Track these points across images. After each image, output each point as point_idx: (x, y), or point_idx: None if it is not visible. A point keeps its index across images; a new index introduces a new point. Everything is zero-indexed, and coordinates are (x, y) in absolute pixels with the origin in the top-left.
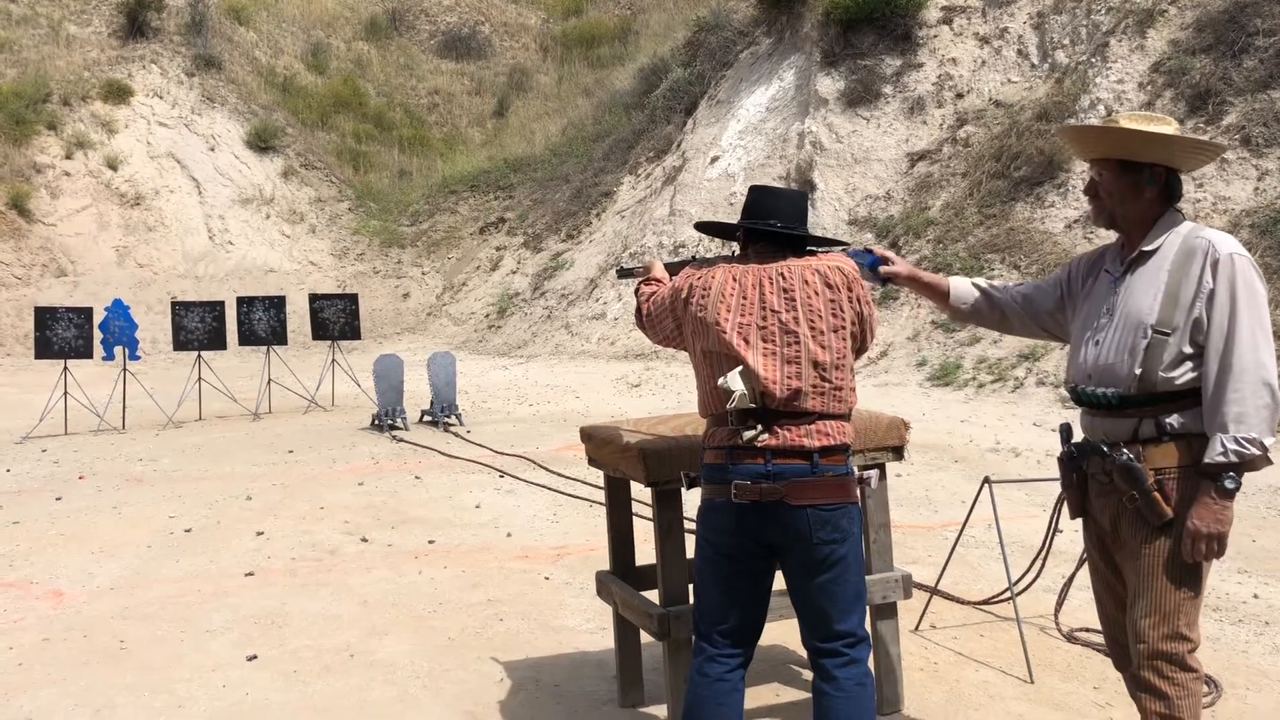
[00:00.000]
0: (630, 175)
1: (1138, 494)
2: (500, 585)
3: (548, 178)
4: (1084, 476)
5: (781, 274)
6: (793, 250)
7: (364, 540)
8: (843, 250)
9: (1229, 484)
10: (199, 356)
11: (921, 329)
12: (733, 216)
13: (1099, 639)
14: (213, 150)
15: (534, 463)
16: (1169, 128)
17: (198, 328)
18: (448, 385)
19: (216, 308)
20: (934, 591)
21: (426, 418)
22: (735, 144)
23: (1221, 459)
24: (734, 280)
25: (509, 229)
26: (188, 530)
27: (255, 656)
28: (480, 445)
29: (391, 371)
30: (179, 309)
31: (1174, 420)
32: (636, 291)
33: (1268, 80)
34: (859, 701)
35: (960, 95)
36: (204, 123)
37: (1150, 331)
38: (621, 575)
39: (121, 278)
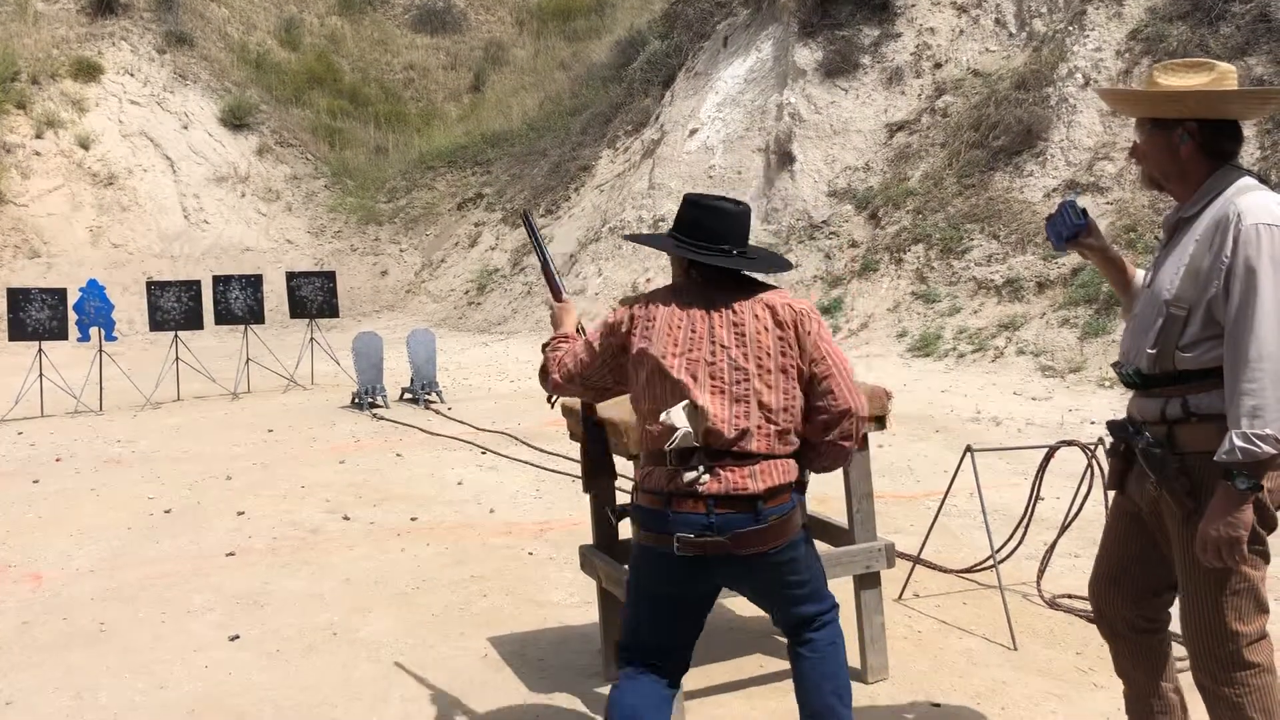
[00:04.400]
0: (609, 149)
1: (1160, 481)
2: (483, 561)
3: (525, 153)
4: (1131, 450)
5: (732, 308)
6: (735, 275)
7: (346, 518)
8: (1062, 201)
9: (1241, 485)
10: (176, 337)
11: (902, 300)
12: (714, 190)
13: (1081, 605)
14: (186, 128)
15: (516, 439)
16: (1203, 77)
17: (174, 308)
18: (428, 362)
19: (193, 287)
20: (917, 560)
21: (407, 395)
22: (714, 116)
23: (1227, 457)
24: (681, 312)
25: (487, 205)
26: (167, 511)
27: (237, 636)
28: (461, 422)
29: (371, 349)
30: (154, 289)
31: (1201, 400)
32: (545, 348)
33: (1244, 47)
34: (832, 659)
35: (938, 65)
36: (176, 100)
37: (1166, 308)
38: (604, 549)
39: (96, 258)
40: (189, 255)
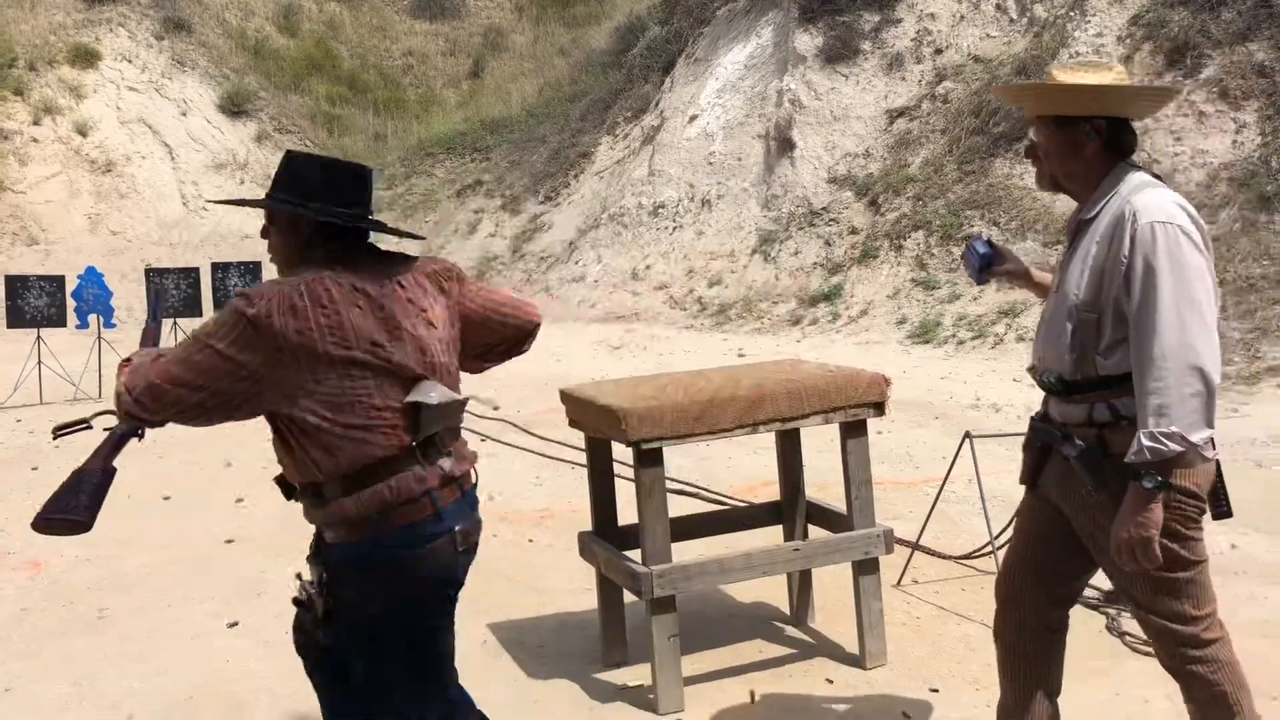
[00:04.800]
0: (608, 136)
1: (1097, 488)
2: (483, 548)
3: (525, 139)
4: (1047, 447)
5: (400, 282)
6: (373, 247)
7: None
8: (968, 239)
9: (1147, 484)
10: (175, 323)
11: (901, 287)
12: (713, 176)
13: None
14: (184, 115)
15: (515, 425)
16: (1105, 75)
17: (173, 294)
18: None
19: (191, 274)
20: (915, 547)
21: None
22: (714, 102)
23: (1136, 458)
24: (358, 292)
25: (487, 191)
26: (167, 498)
27: (236, 624)
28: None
29: None
30: (153, 276)
31: (1128, 403)
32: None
33: (1246, 33)
34: None
35: (939, 51)
36: (175, 87)
37: (1076, 313)
38: (603, 536)
39: (94, 245)
40: (188, 242)
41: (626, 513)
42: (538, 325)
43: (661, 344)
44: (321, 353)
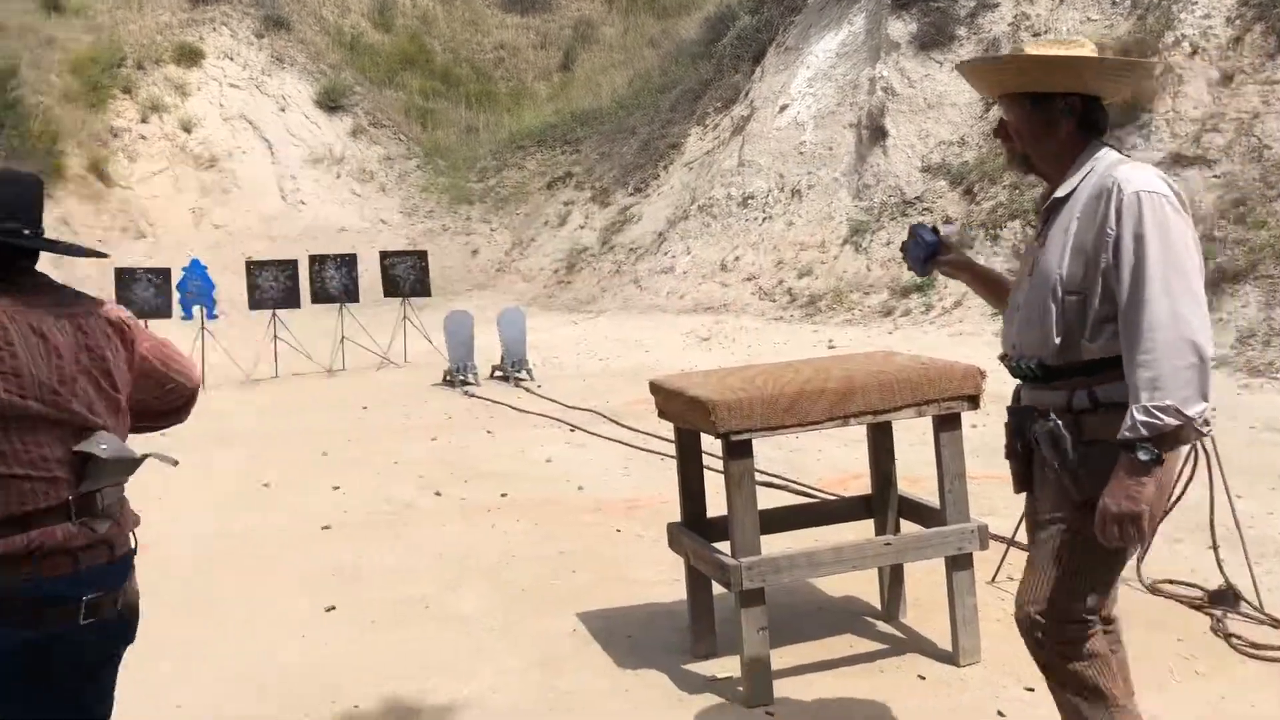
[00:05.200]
0: (698, 126)
1: (1058, 464)
2: (572, 538)
3: (615, 131)
4: (1029, 447)
5: (80, 326)
6: (48, 280)
7: (437, 494)
8: (912, 225)
9: (1143, 455)
10: (274, 315)
11: None
12: (804, 166)
13: (1184, 591)
14: (283, 111)
15: (604, 417)
16: (1080, 50)
17: (272, 286)
18: (518, 341)
19: (290, 266)
20: (1010, 543)
21: (497, 373)
22: (805, 91)
23: (1130, 434)
24: (34, 332)
25: (576, 183)
26: (266, 485)
27: (334, 608)
28: (551, 400)
29: (462, 328)
30: (254, 268)
31: (1110, 390)
32: None
33: None
34: None
35: (1037, 35)
36: (274, 83)
37: (1060, 292)
38: (692, 527)
39: (198, 239)
40: (286, 235)
41: (715, 504)
42: (196, 390)
43: (750, 336)
44: None
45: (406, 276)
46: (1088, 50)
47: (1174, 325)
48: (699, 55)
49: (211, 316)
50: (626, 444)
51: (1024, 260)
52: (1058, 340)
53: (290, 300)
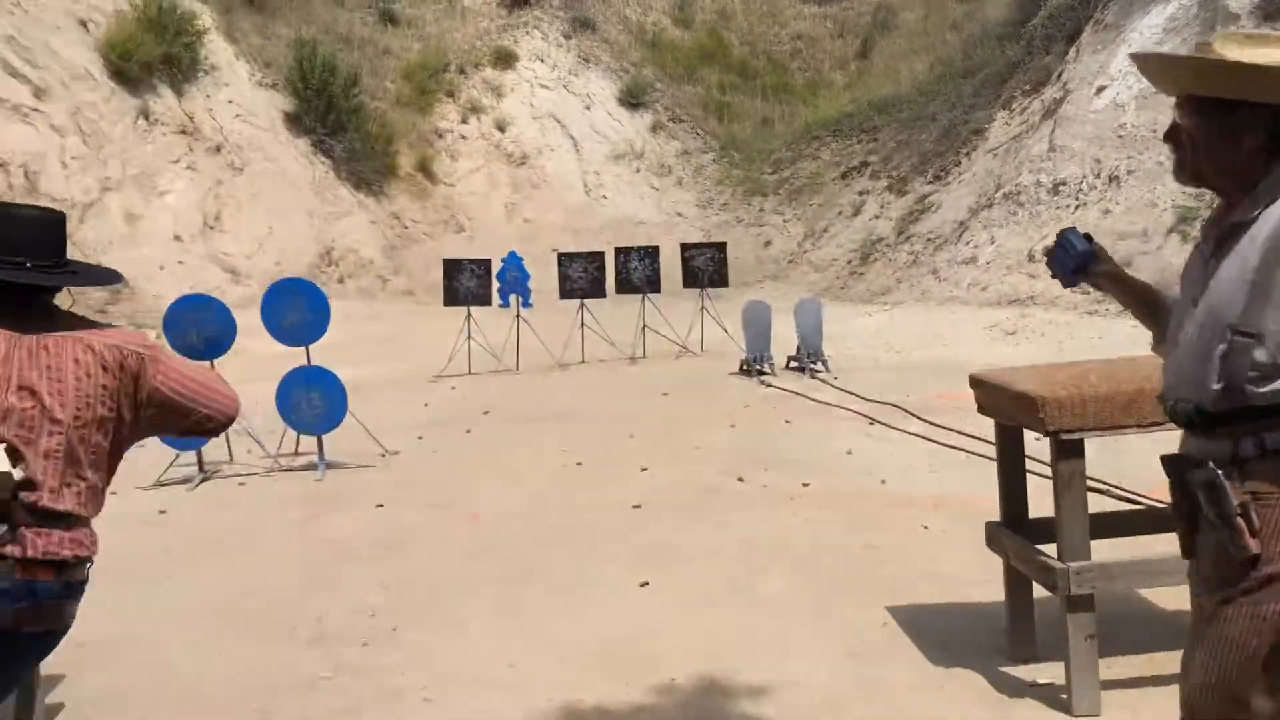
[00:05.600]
0: (1004, 111)
1: (1218, 518)
2: (878, 531)
3: (913, 118)
4: (1196, 508)
5: (45, 347)
6: (40, 301)
7: (740, 480)
8: (1060, 231)
9: None
10: (582, 304)
11: None
12: (1123, 150)
13: None
14: (588, 109)
15: (906, 411)
16: (1274, 52)
17: (581, 277)
18: (815, 331)
19: (597, 258)
20: None
21: (793, 364)
22: (1126, 71)
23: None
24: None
25: (872, 173)
26: (579, 464)
27: (647, 583)
28: (849, 392)
29: (759, 318)
30: (564, 260)
31: (1276, 438)
32: None
33: None
34: None
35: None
36: (580, 83)
37: (1230, 332)
38: (1012, 527)
39: (510, 232)
40: (589, 228)
41: (1034, 505)
42: (233, 418)
43: (1061, 330)
44: None
45: (705, 268)
46: None
47: None
48: (1006, 37)
49: (526, 305)
50: (930, 439)
51: (1187, 288)
52: (1217, 386)
53: (597, 290)
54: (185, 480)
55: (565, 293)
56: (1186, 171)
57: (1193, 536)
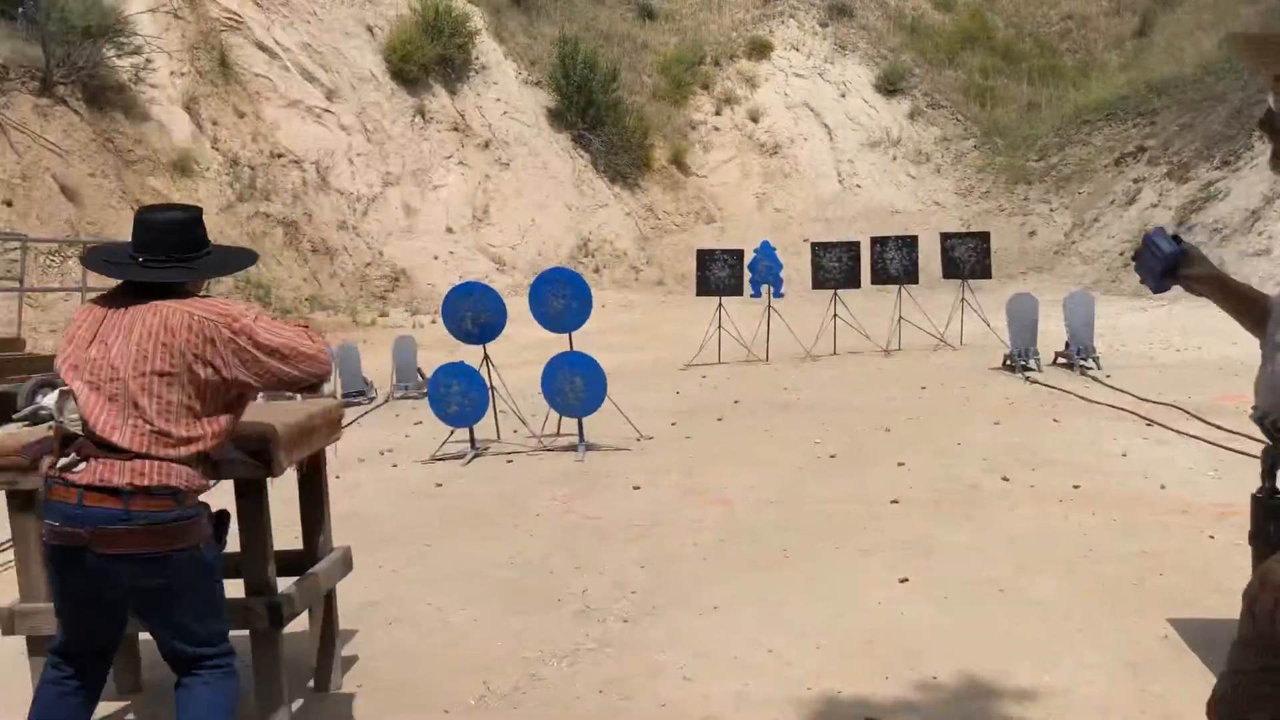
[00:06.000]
0: None
1: None
2: (1156, 538)
3: (1199, 99)
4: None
5: (126, 312)
6: (148, 286)
7: (1005, 479)
8: (1147, 234)
9: None
10: (835, 294)
11: None
12: None
13: None
14: (843, 97)
15: (1186, 412)
16: None
17: (834, 267)
18: (1085, 326)
19: (852, 248)
20: None
21: (1061, 360)
22: None
23: None
24: (90, 315)
25: (1149, 158)
26: (832, 456)
27: (906, 579)
28: (1123, 391)
29: (1025, 311)
30: (818, 249)
31: None
32: None
33: None
34: (195, 712)
35: None
36: (835, 70)
37: None
38: None
39: (760, 222)
40: (841, 218)
41: None
42: (325, 375)
43: None
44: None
45: (967, 259)
46: None
47: None
48: None
49: (778, 295)
50: (1216, 444)
51: None
52: None
53: (851, 280)
54: (459, 456)
55: (818, 283)
56: None
57: None
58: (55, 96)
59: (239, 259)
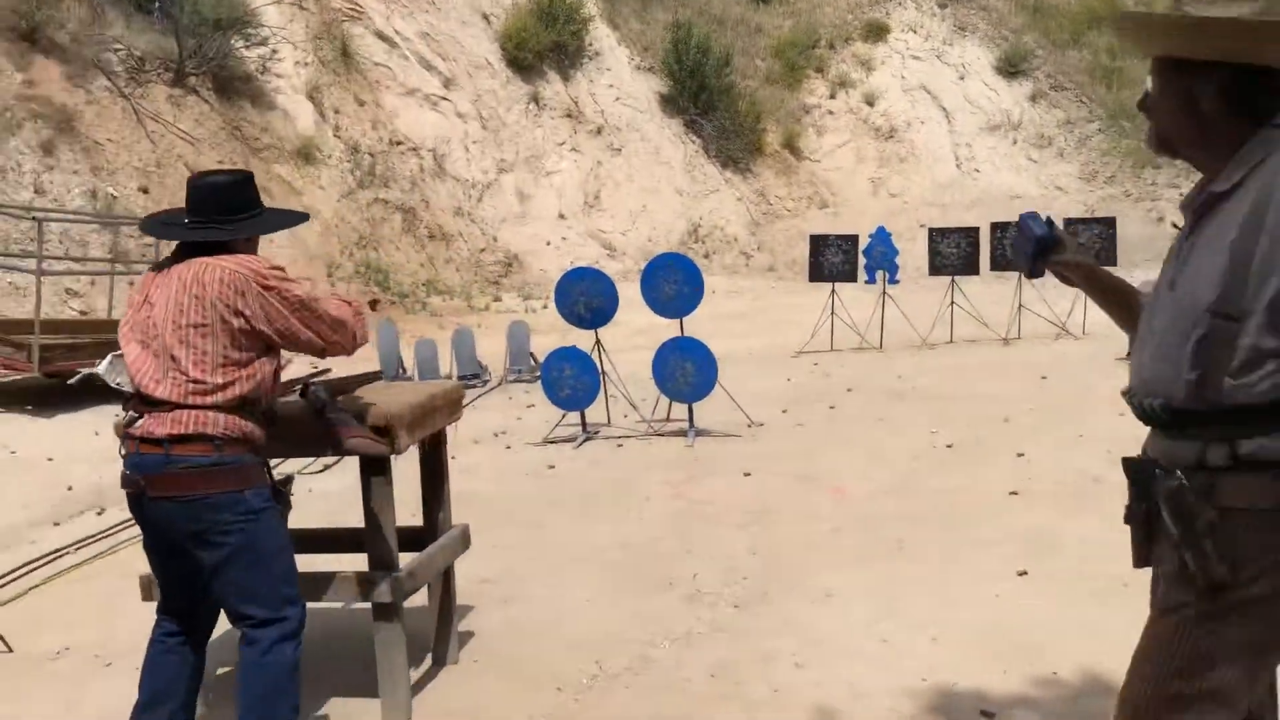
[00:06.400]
0: None
1: (1183, 539)
2: None
3: None
4: (1154, 512)
5: (169, 270)
6: (195, 245)
7: None
8: (1022, 215)
9: None
10: (952, 281)
11: None
12: None
13: None
14: (962, 79)
15: None
16: (1238, 6)
17: (952, 253)
18: None
19: (971, 234)
20: None
21: None
22: None
23: None
24: (146, 279)
25: None
26: (949, 446)
27: (1025, 572)
28: None
29: None
30: (935, 235)
31: (1257, 445)
32: None
33: None
34: (257, 676)
35: None
36: (954, 52)
37: (1209, 317)
38: None
39: (875, 207)
40: (958, 203)
41: None
42: (330, 347)
43: None
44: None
45: (1092, 245)
46: (1260, 5)
47: None
48: None
49: (893, 281)
50: None
51: (1164, 272)
52: (1193, 376)
53: (970, 267)
54: (570, 439)
55: (935, 269)
56: (1156, 141)
57: (1149, 545)
58: (187, 87)
59: (281, 219)
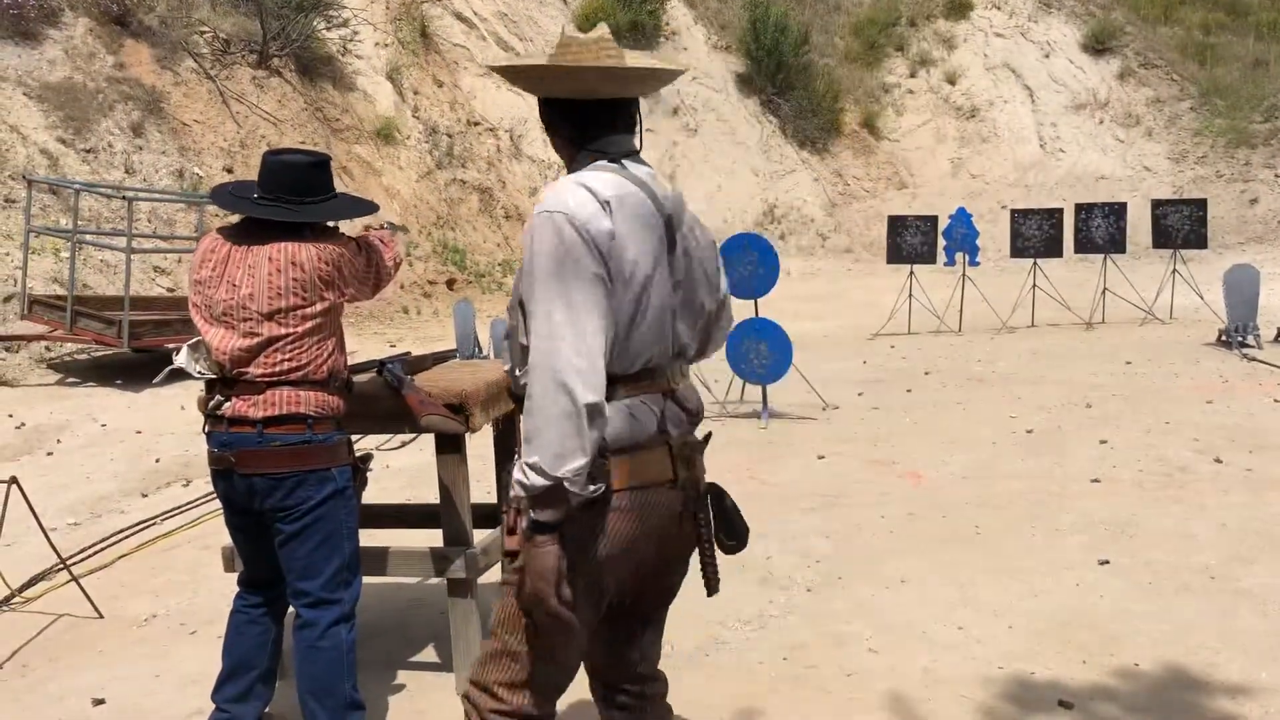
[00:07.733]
0: None
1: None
2: None
3: None
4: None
5: (251, 251)
6: (295, 225)
7: (1218, 461)
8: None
9: (533, 516)
10: (1034, 263)
11: None
12: None
13: None
14: (1047, 57)
15: None
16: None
17: (1035, 235)
18: None
19: (1054, 215)
20: None
21: None
22: None
23: (511, 492)
24: (214, 254)
25: None
26: (1029, 431)
27: (1107, 561)
28: None
29: (1245, 284)
30: (1017, 216)
31: None
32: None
33: None
34: (313, 657)
35: None
36: (1039, 29)
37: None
38: None
39: (955, 188)
40: (1042, 184)
41: None
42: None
43: None
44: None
45: (1180, 227)
46: (572, 47)
47: (548, 366)
48: None
49: (974, 263)
50: None
51: None
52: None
53: (1053, 249)
54: None
55: (1017, 251)
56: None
57: None
58: (271, 68)
59: (349, 208)
